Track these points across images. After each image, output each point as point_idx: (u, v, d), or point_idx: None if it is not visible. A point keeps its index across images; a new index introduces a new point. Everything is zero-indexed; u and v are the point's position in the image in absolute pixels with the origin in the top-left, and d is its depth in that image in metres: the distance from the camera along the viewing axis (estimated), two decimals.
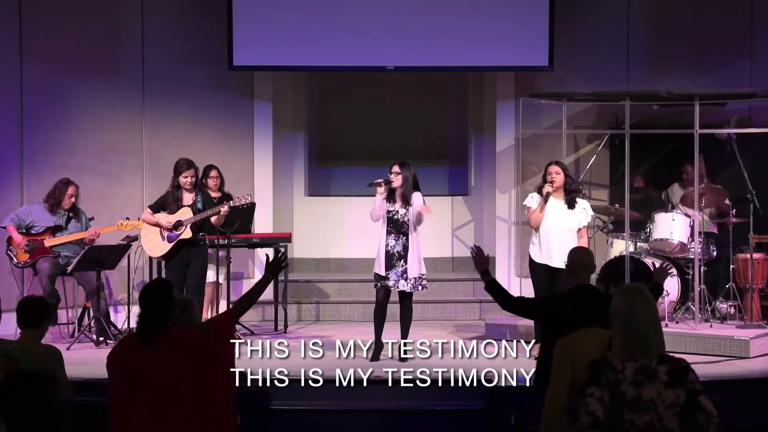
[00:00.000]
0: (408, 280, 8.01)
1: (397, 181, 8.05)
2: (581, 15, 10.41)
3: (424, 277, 8.09)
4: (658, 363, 3.92)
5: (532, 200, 8.29)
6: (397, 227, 8.04)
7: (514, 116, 10.43)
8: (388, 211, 8.05)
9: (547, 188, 8.14)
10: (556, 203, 8.20)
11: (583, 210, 8.26)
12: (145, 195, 9.99)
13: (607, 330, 4.84)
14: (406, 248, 8.02)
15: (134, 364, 4.57)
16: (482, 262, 5.69)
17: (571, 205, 8.19)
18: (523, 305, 5.92)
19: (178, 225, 8.44)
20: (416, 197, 8.07)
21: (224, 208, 8.37)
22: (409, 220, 8.03)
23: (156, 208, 8.58)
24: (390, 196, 8.09)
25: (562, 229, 8.12)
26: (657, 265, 6.06)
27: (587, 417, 3.93)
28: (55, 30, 9.79)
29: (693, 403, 3.90)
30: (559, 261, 7.98)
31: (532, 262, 8.25)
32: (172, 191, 8.53)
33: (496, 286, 5.60)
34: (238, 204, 8.55)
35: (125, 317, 9.19)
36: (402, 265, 8.01)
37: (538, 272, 8.16)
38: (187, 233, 8.42)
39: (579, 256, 5.60)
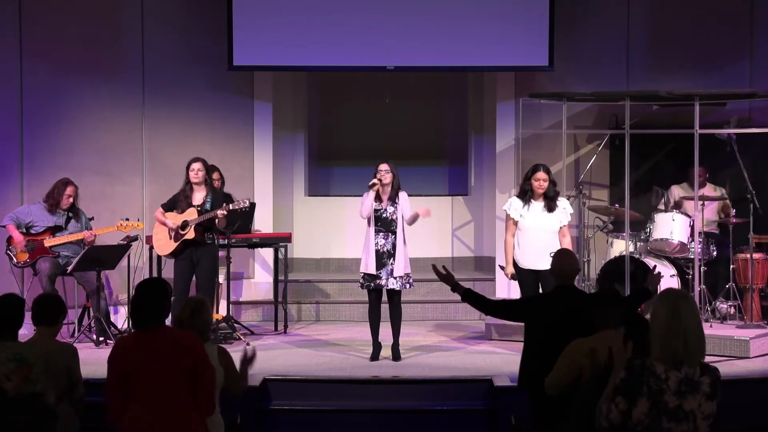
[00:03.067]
0: (397, 279, 8.03)
1: (387, 178, 8.07)
2: (581, 15, 10.40)
3: (410, 275, 8.11)
4: (701, 374, 3.90)
5: (510, 207, 8.28)
6: (386, 225, 8.06)
7: (514, 116, 10.42)
8: (376, 210, 8.07)
9: (509, 270, 8.28)
10: (536, 206, 8.22)
11: (563, 210, 8.27)
12: (145, 195, 9.98)
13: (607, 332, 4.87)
14: (395, 246, 8.04)
15: (132, 361, 4.60)
16: (448, 277, 5.74)
17: (550, 209, 8.20)
18: (503, 308, 5.96)
19: (184, 225, 8.49)
20: (404, 197, 8.10)
21: (220, 212, 8.40)
22: (397, 218, 8.05)
23: (168, 206, 8.66)
24: (377, 195, 8.11)
25: (542, 231, 8.17)
26: (652, 270, 6.07)
27: (606, 422, 3.92)
28: (55, 30, 9.79)
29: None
30: (542, 263, 7.98)
31: (516, 266, 8.28)
32: (183, 189, 8.60)
33: (472, 294, 5.69)
34: (236, 208, 8.56)
35: (125, 317, 9.20)
36: (391, 263, 8.03)
37: (523, 275, 8.23)
38: (191, 234, 8.45)
39: (559, 261, 5.63)
